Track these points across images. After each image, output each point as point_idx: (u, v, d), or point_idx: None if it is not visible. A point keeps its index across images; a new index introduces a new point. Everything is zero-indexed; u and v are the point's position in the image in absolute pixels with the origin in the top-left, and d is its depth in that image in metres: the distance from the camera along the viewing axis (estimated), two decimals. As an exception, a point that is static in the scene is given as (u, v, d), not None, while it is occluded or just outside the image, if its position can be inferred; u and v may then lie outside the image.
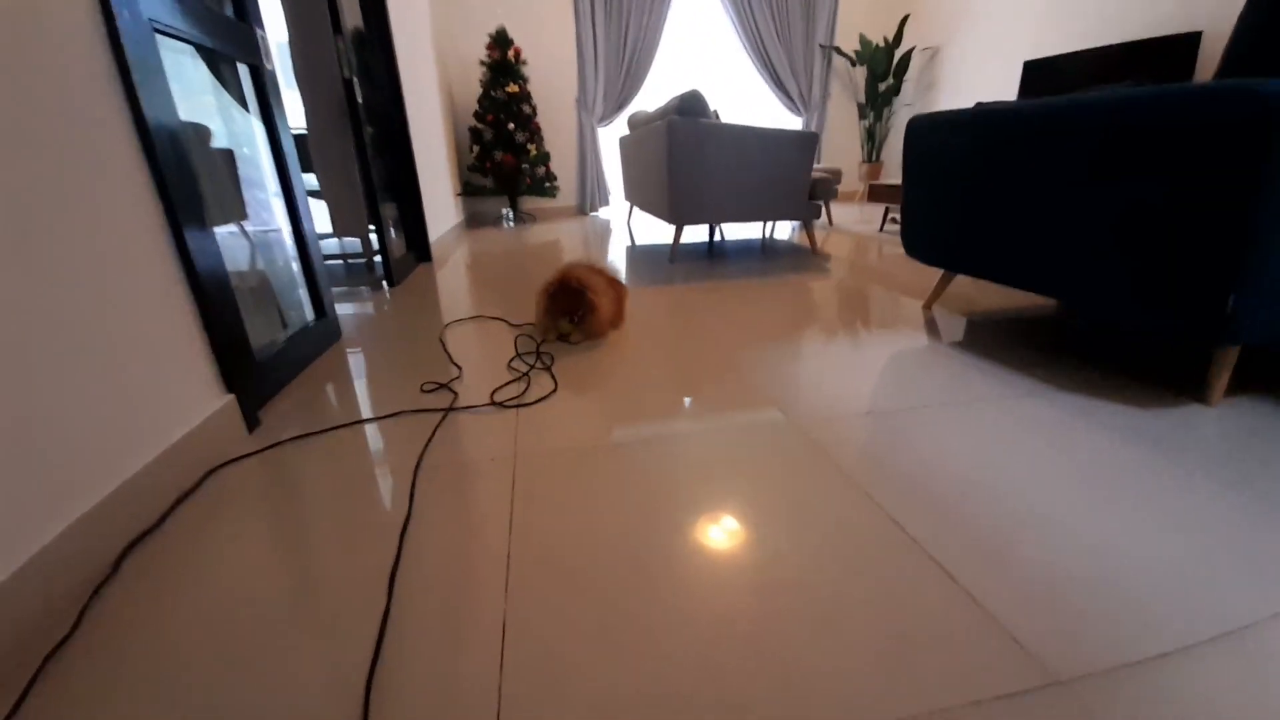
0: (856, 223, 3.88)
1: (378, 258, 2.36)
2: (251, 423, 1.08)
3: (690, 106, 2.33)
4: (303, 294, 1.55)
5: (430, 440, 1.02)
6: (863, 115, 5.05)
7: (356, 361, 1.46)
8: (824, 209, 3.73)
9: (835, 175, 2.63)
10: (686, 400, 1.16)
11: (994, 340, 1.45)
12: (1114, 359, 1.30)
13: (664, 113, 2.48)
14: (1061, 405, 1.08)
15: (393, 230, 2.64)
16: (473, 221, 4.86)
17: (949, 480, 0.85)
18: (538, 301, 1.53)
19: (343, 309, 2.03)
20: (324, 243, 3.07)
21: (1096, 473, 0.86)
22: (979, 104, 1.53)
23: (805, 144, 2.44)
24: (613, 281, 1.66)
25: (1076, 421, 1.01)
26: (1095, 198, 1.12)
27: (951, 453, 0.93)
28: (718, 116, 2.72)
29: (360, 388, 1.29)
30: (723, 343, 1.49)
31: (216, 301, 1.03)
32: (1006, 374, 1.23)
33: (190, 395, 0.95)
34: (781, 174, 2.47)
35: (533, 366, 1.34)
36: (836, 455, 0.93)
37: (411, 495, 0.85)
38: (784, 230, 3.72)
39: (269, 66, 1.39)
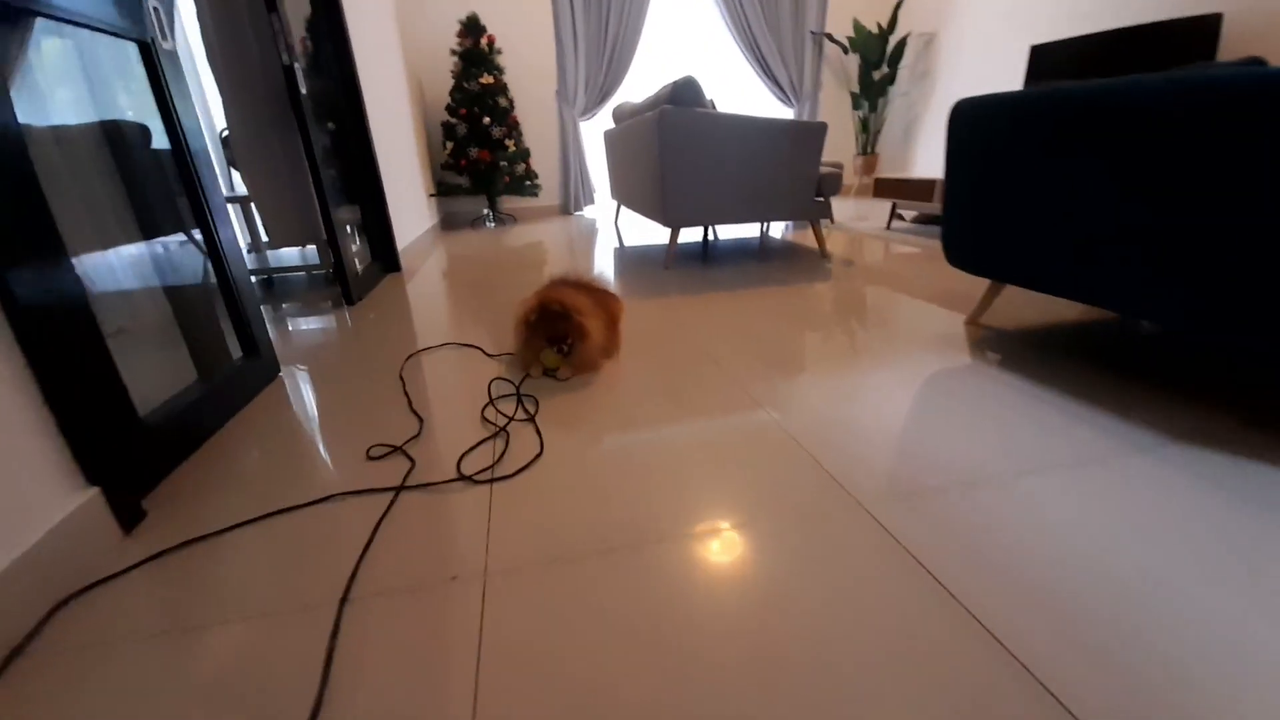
0: (856, 219, 3.66)
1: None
2: (131, 519, 0.81)
3: (684, 94, 2.07)
4: (227, 326, 1.26)
5: (370, 544, 0.75)
6: (856, 105, 4.83)
7: (292, 412, 1.18)
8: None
9: (838, 169, 2.39)
10: (699, 460, 0.91)
11: (1058, 364, 1.22)
12: (1203, 383, 1.08)
13: (655, 102, 2.22)
14: (1182, 465, 0.85)
15: (356, 238, 2.34)
16: (448, 223, 4.55)
17: (1104, 613, 0.61)
18: (516, 332, 1.27)
19: (296, 331, 1.74)
20: (281, 253, 2.77)
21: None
22: (959, 102, 1.29)
23: (812, 135, 2.20)
24: (603, 297, 1.41)
25: (1214, 497, 0.78)
26: (1208, 197, 0.89)
27: (1086, 558, 0.69)
28: (714, 107, 2.47)
29: (292, 451, 1.01)
30: (739, 372, 1.24)
31: (70, 353, 0.75)
32: (1093, 414, 1.00)
33: (26, 496, 0.68)
34: (788, 169, 2.22)
35: (511, 418, 1.08)
36: (938, 566, 0.69)
37: (328, 661, 0.58)
38: (778, 227, 3.48)
39: (166, 45, 1.10)
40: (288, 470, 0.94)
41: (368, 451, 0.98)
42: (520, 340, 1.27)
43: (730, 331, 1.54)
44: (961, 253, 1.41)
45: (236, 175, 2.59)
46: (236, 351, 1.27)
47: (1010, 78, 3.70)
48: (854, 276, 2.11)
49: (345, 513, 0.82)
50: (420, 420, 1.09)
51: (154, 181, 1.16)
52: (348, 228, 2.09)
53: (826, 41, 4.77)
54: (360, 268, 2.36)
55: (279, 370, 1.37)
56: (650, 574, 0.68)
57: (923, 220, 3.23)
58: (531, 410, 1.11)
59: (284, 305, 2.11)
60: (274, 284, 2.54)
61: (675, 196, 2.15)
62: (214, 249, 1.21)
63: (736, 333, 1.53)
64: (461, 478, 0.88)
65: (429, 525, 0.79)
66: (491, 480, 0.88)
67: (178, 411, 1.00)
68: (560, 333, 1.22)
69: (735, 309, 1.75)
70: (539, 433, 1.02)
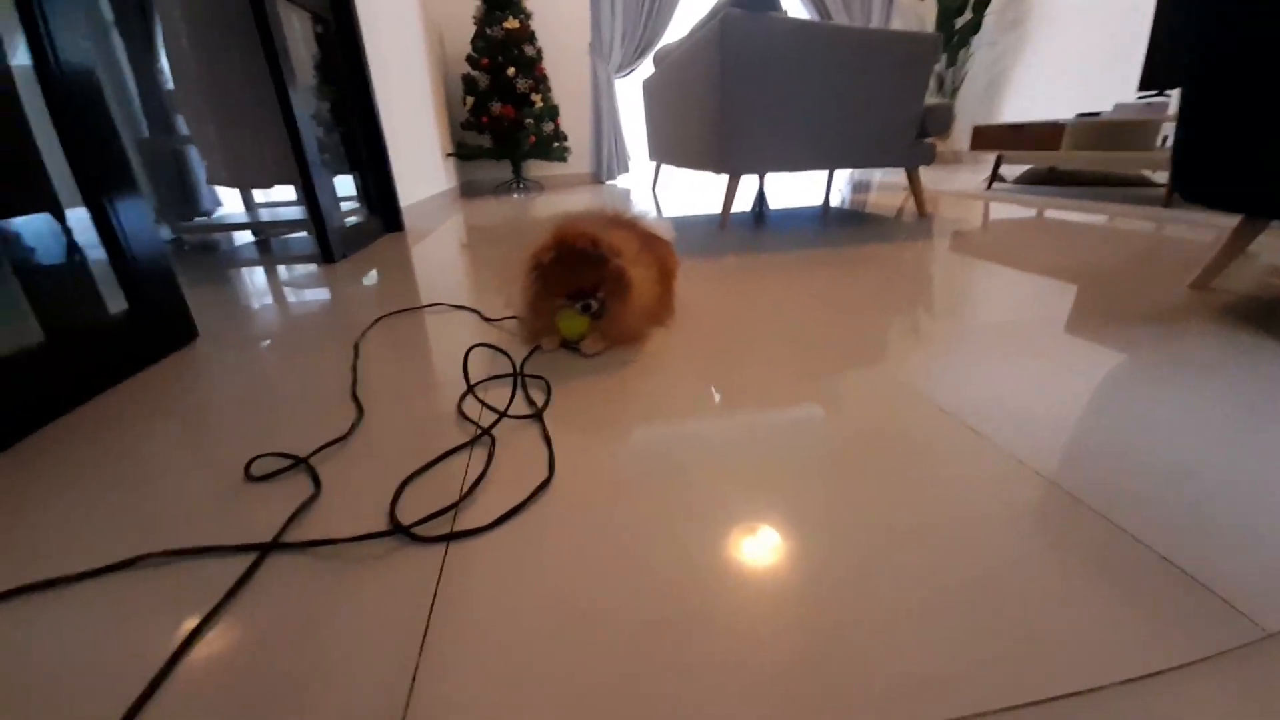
0: (937, 181, 3.10)
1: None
2: None
3: (757, -5, 1.59)
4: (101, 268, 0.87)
5: (156, 684, 0.33)
6: (931, 60, 4.21)
7: (184, 391, 0.78)
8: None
9: (949, 102, 1.87)
10: (821, 523, 0.46)
11: None
12: None
13: (715, 12, 1.75)
14: None
15: (339, 188, 1.96)
16: (470, 190, 4.17)
17: None
18: (524, 281, 0.83)
19: (246, 287, 1.36)
20: (279, 211, 2.41)
21: None
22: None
23: (923, 54, 1.69)
24: (651, 241, 0.95)
25: None
26: None
27: None
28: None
29: (141, 455, 0.61)
30: (850, 352, 0.79)
31: None
32: None
33: None
34: (886, 98, 1.72)
35: (503, 413, 0.65)
36: None
37: None
38: (837, 194, 2.96)
39: None
40: (113, 490, 0.54)
41: (247, 467, 0.56)
42: (528, 296, 0.82)
43: (820, 295, 1.07)
44: (1210, 175, 0.91)
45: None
46: (121, 305, 0.87)
47: (1129, 20, 3.05)
48: (978, 241, 1.60)
49: (150, 596, 0.41)
50: (360, 411, 0.67)
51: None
52: (322, 173, 1.69)
53: (899, -14, 4.17)
54: (353, 222, 1.97)
55: (195, 333, 0.98)
56: None
57: (1032, 180, 2.65)
58: (538, 404, 0.67)
59: (246, 261, 1.74)
60: (270, 243, 2.18)
61: (737, 134, 1.68)
62: (89, 182, 0.81)
63: (830, 297, 1.06)
64: (395, 530, 0.46)
65: (302, 640, 0.36)
66: (449, 537, 0.45)
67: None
68: (588, 284, 0.79)
69: (823, 270, 1.28)
70: (548, 444, 0.58)
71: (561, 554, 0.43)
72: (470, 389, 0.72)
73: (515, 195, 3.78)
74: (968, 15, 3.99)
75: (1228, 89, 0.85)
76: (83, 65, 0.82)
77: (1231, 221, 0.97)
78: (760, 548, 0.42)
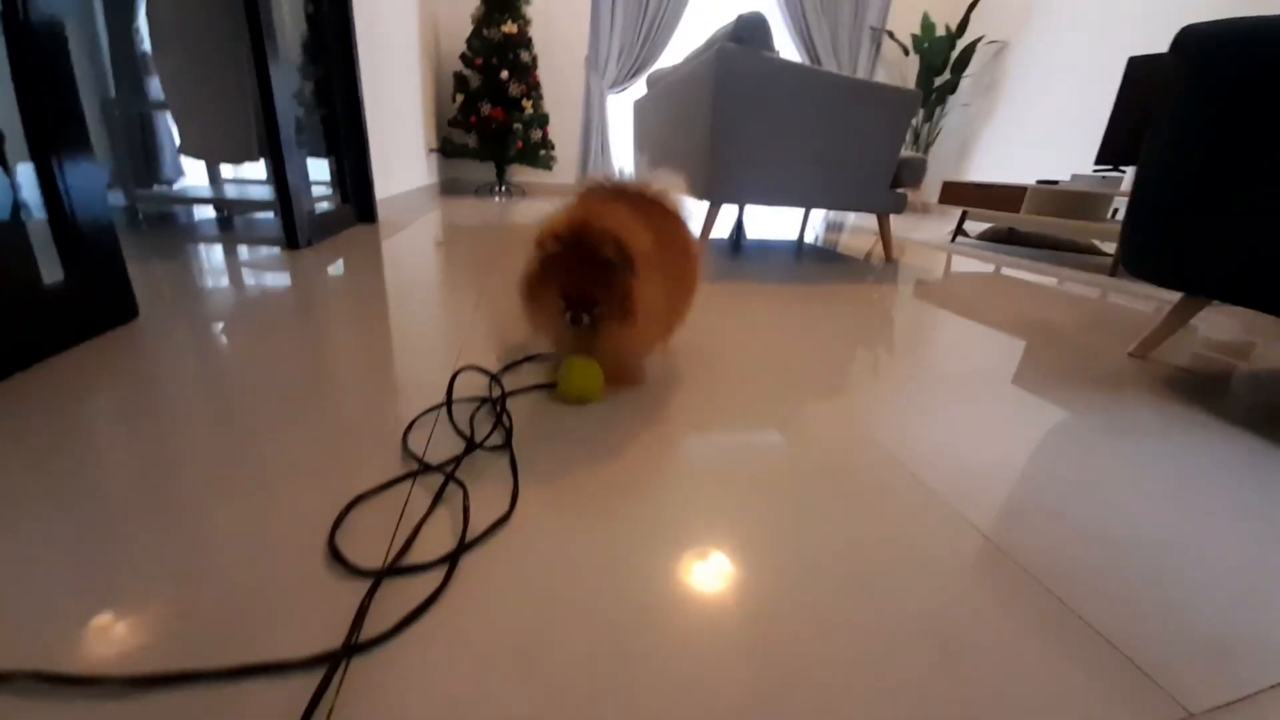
0: (905, 230, 3.23)
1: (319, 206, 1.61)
2: None
3: (751, 32, 1.64)
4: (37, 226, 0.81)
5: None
6: (910, 113, 4.42)
7: (113, 374, 0.73)
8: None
9: (923, 157, 1.96)
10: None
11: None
12: None
13: (710, 44, 1.79)
14: None
15: (310, 174, 1.90)
16: (451, 188, 4.11)
17: None
18: (528, 258, 0.69)
19: (199, 266, 1.29)
20: (250, 189, 2.32)
21: None
22: (1190, 29, 0.84)
23: (902, 108, 1.77)
24: (671, 225, 0.79)
25: None
26: None
27: None
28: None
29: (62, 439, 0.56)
30: (814, 389, 0.80)
31: None
32: None
33: None
34: (866, 145, 1.79)
35: (477, 444, 0.61)
36: None
37: None
38: (812, 230, 3.05)
39: None
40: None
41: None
42: (528, 278, 0.69)
43: (798, 340, 1.09)
44: (1154, 253, 0.97)
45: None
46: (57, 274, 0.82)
47: (1097, 96, 3.28)
48: (940, 291, 1.67)
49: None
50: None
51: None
52: (303, 151, 1.64)
53: (886, 39, 4.37)
54: (324, 209, 1.91)
55: (135, 312, 0.92)
56: None
57: (993, 237, 2.80)
58: (499, 440, 0.65)
59: (205, 238, 1.66)
60: (233, 221, 2.09)
61: (724, 163, 1.71)
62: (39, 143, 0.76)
63: (808, 343, 1.08)
64: (336, 557, 0.43)
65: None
66: (344, 654, 0.42)
67: None
68: (587, 291, 0.65)
69: (805, 311, 1.31)
70: (512, 500, 0.55)
71: (514, 589, 0.41)
72: (405, 451, 0.69)
73: (497, 198, 3.75)
74: (946, 75, 4.21)
75: (1175, 178, 0.92)
76: (52, 17, 0.77)
77: (1173, 296, 1.04)
78: (709, 585, 0.42)
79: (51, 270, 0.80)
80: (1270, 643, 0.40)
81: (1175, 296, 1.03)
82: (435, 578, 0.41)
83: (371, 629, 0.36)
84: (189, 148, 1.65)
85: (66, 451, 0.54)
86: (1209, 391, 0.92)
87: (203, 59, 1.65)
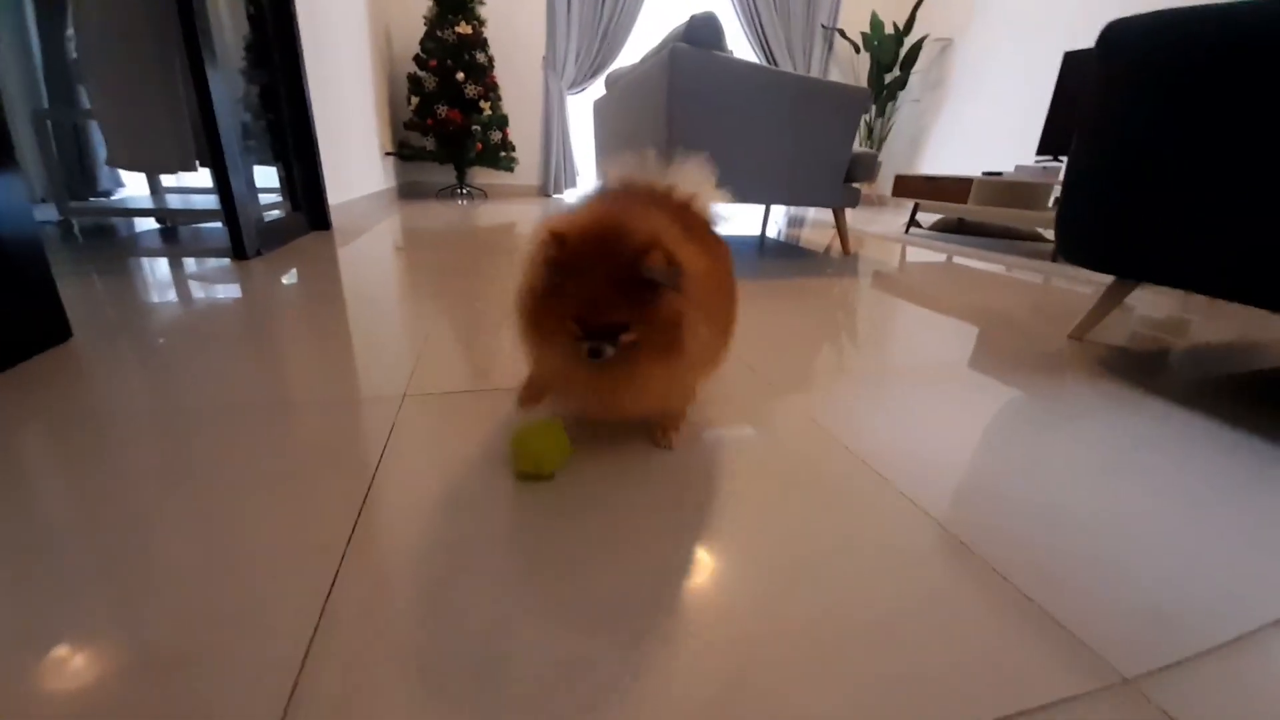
0: (864, 223, 3.32)
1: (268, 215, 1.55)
2: None
3: (703, 33, 1.65)
4: None
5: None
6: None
7: (38, 403, 0.69)
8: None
9: (874, 152, 2.01)
10: None
11: (1223, 394, 0.84)
12: None
13: (663, 45, 1.80)
14: None
15: (257, 181, 1.84)
16: (410, 192, 4.02)
17: None
18: (526, 275, 0.53)
19: (132, 283, 1.23)
20: (195, 199, 2.21)
21: None
22: (1116, 24, 0.91)
23: (853, 105, 1.81)
24: (708, 238, 0.67)
25: None
26: None
27: None
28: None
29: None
30: (775, 382, 0.82)
31: None
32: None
33: None
34: (819, 143, 1.83)
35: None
36: None
37: None
38: (773, 225, 3.11)
39: None
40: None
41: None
42: (527, 300, 0.52)
43: (760, 336, 1.11)
44: (1086, 239, 1.02)
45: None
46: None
47: (1036, 89, 3.43)
48: (896, 281, 1.72)
49: None
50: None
51: None
52: (248, 158, 1.58)
53: (838, 38, 4.47)
54: (273, 216, 1.85)
55: (68, 333, 0.87)
56: None
57: (944, 228, 2.90)
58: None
59: (146, 250, 1.58)
60: (178, 232, 2.00)
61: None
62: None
63: (769, 338, 1.10)
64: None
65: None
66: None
67: None
68: (617, 316, 0.49)
69: (767, 306, 1.33)
70: None
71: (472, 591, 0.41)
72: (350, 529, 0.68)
73: (459, 201, 3.69)
74: (896, 72, 4.33)
75: (1100, 167, 0.97)
76: None
77: (1107, 280, 1.10)
78: (675, 577, 0.43)
79: (-30, 291, 0.76)
80: (1202, 610, 0.43)
81: (1109, 279, 1.08)
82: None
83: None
84: (117, 159, 1.57)
85: (-10, 483, 0.51)
86: (1144, 369, 0.98)
87: (132, 65, 1.57)
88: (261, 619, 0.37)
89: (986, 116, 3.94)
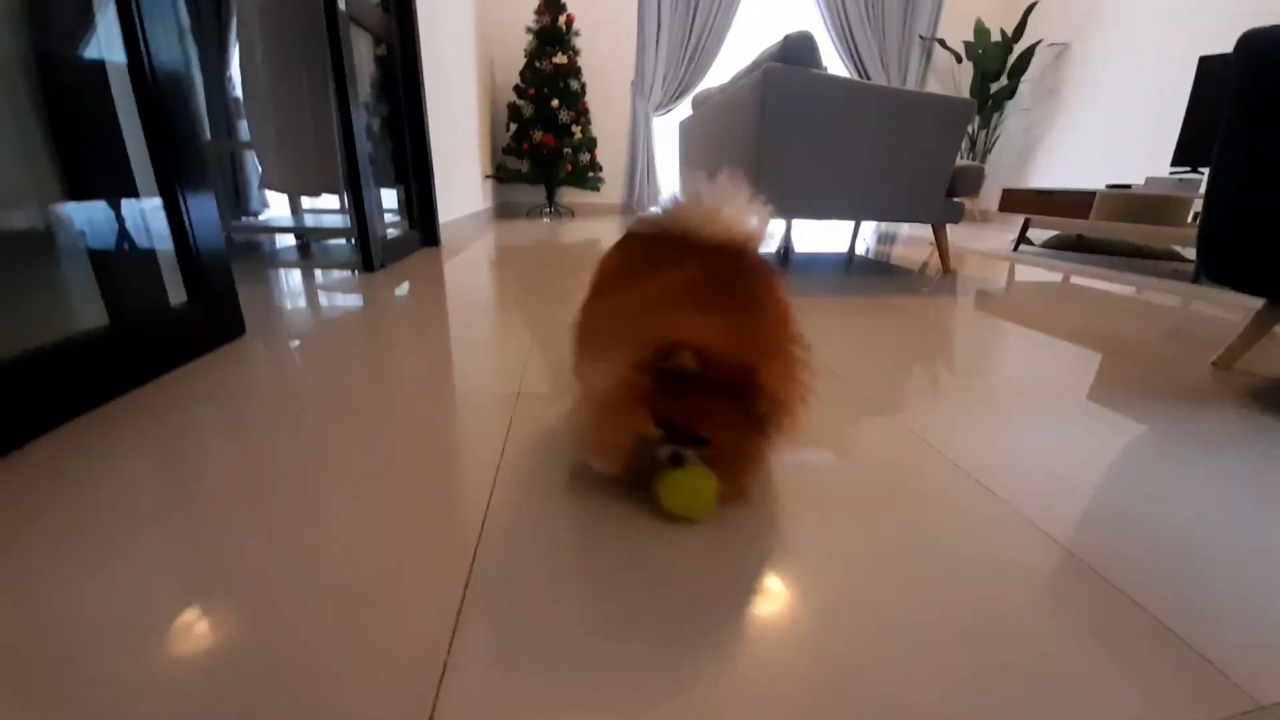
0: (964, 239, 3.13)
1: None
2: None
3: (798, 51, 1.67)
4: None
5: None
6: (964, 121, 4.30)
7: (236, 383, 0.83)
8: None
9: (980, 166, 1.91)
10: None
11: None
12: None
13: (756, 64, 1.83)
14: None
15: (383, 202, 2.05)
16: (504, 212, 4.30)
17: None
18: (598, 402, 0.49)
19: (287, 287, 1.42)
20: (325, 219, 2.52)
21: None
22: (1253, 32, 0.80)
23: (957, 116, 1.75)
24: (768, 296, 0.55)
25: None
26: None
27: None
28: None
29: (200, 442, 0.65)
30: (873, 399, 0.80)
31: None
32: None
33: None
34: (919, 157, 1.77)
35: None
36: None
37: None
38: (863, 242, 3.00)
39: None
40: (161, 465, 0.57)
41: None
42: (600, 407, 0.49)
43: (854, 351, 1.09)
44: (1234, 257, 0.92)
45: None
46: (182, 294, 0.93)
47: (1170, 97, 3.10)
48: (1003, 301, 1.62)
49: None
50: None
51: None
52: (375, 183, 1.79)
53: (937, 48, 4.30)
54: (393, 234, 2.06)
55: (243, 329, 1.03)
56: None
57: (1059, 245, 2.67)
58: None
59: (287, 263, 1.82)
60: (310, 248, 2.28)
61: (772, 179, 1.73)
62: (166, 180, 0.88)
63: (864, 354, 1.08)
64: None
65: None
66: None
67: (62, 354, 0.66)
68: (698, 416, 0.46)
69: (858, 324, 1.30)
70: None
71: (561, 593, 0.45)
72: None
73: (546, 219, 3.89)
74: (1003, 81, 4.08)
75: (1247, 180, 0.88)
76: (173, 66, 0.89)
77: (1257, 303, 0.98)
78: (769, 584, 0.44)
79: (176, 292, 0.92)
80: None
81: (1260, 303, 0.97)
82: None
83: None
84: (272, 182, 1.82)
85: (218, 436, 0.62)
86: (1307, 403, 0.86)
87: (289, 100, 1.83)
88: (420, 565, 0.43)
89: (1109, 126, 3.61)
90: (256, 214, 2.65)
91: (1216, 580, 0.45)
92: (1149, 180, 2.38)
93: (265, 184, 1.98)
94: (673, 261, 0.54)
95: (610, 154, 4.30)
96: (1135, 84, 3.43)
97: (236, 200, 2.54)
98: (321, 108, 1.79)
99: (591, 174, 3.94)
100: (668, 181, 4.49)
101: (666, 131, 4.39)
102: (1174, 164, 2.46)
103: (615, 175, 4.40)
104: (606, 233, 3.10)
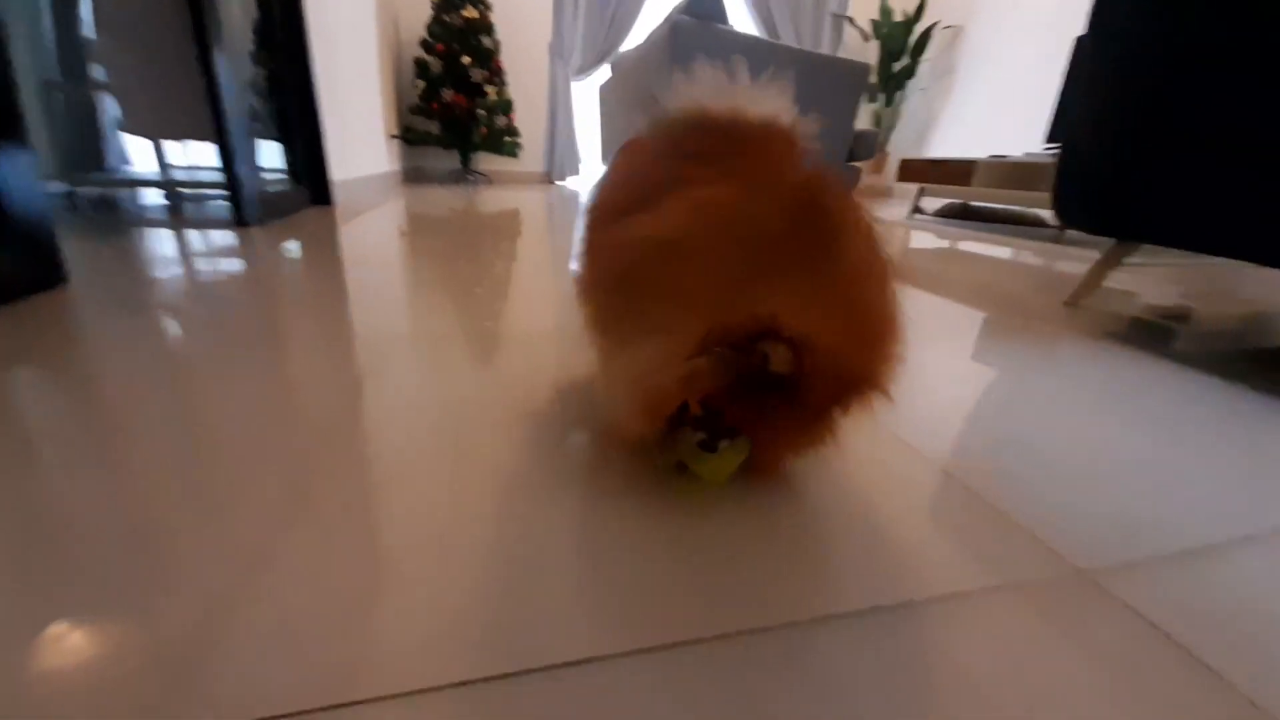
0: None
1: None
2: None
3: (704, 5, 1.65)
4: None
5: None
6: (871, 98, 4.50)
7: (39, 331, 0.71)
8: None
9: (875, 130, 2.00)
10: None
11: (1232, 357, 0.83)
12: None
13: (667, 20, 1.79)
14: None
15: (262, 153, 1.85)
16: (414, 176, 4.04)
17: None
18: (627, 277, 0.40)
19: (134, 240, 1.25)
20: (199, 174, 2.23)
21: None
22: None
23: (854, 80, 1.80)
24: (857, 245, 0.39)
25: None
26: None
27: None
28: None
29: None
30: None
31: None
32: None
33: None
34: (821, 119, 1.81)
35: None
36: None
37: None
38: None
39: None
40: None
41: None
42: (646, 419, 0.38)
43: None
44: (1084, 201, 1.01)
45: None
46: None
47: (1047, 76, 3.38)
48: (899, 266, 1.71)
49: None
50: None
51: None
52: (252, 130, 1.60)
53: (847, 26, 4.44)
54: (273, 188, 1.87)
55: (63, 279, 0.89)
56: None
57: (949, 214, 2.87)
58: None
59: (152, 221, 1.60)
60: (182, 207, 2.02)
61: (681, 136, 1.72)
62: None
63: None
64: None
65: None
66: None
67: None
68: (741, 413, 0.39)
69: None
70: None
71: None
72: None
73: (463, 186, 3.70)
74: (905, 60, 4.29)
75: (1095, 129, 0.96)
76: None
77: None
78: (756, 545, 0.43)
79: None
80: (1171, 520, 0.43)
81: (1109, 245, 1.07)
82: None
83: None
84: (132, 125, 1.60)
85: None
86: (1143, 338, 0.97)
87: (147, 40, 1.60)
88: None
89: (995, 104, 3.90)
90: (114, 170, 2.32)
91: (1049, 469, 0.49)
92: (1027, 155, 2.60)
93: (126, 127, 1.73)
94: (718, 173, 0.39)
95: (529, 121, 4.13)
96: (1018, 65, 3.71)
97: (87, 153, 2.20)
98: (183, 45, 1.58)
99: (509, 139, 3.77)
100: (589, 150, 4.39)
101: (587, 97, 4.27)
102: (1048, 140, 2.70)
103: (534, 144, 4.24)
104: (528, 203, 2.98)
